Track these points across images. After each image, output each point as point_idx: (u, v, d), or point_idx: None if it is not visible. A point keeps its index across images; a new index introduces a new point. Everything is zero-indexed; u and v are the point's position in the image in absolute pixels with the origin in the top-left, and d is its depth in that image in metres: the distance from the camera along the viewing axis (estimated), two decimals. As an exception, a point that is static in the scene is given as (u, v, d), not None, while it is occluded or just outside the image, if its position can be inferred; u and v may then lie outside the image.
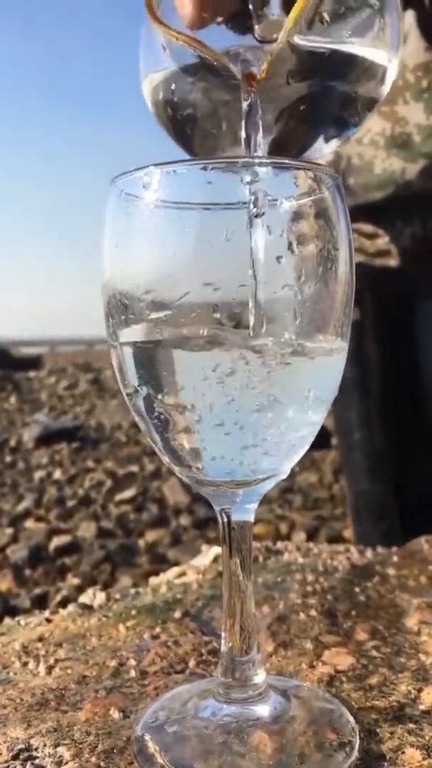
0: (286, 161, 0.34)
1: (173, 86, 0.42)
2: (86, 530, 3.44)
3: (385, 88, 0.42)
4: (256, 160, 0.33)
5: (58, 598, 2.61)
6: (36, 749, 0.40)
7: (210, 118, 0.43)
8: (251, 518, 0.40)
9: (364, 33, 0.39)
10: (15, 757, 0.39)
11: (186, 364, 0.35)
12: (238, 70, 0.39)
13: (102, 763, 0.38)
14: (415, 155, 0.96)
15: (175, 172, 0.33)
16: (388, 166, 0.97)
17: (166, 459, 0.39)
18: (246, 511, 0.40)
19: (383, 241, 1.07)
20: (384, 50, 0.41)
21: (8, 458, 5.32)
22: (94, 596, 0.65)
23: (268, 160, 0.34)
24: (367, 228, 1.07)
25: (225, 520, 0.40)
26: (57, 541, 3.26)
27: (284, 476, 0.39)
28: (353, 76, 0.40)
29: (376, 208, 1.01)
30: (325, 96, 0.41)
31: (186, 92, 0.42)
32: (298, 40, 0.38)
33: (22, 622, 0.60)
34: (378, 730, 0.40)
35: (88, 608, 0.63)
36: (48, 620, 0.60)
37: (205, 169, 0.32)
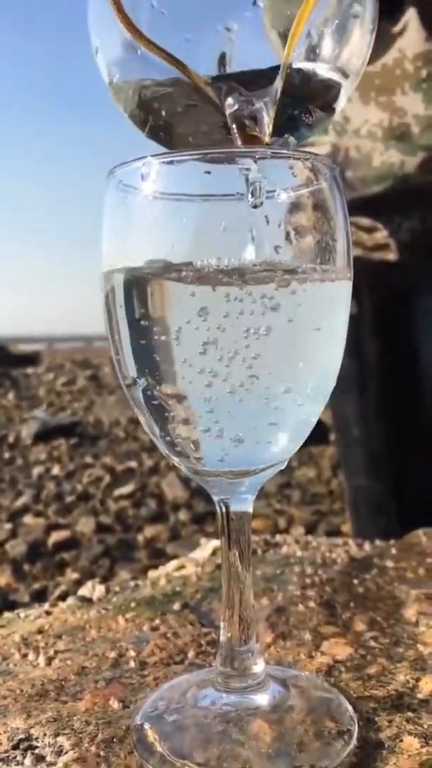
0: (285, 151, 0.34)
1: (149, 99, 0.39)
2: (85, 525, 3.44)
3: (342, 103, 0.41)
4: (255, 151, 0.33)
5: (57, 592, 2.62)
6: (36, 739, 0.40)
7: (190, 127, 0.41)
8: (250, 509, 0.41)
9: (338, 53, 0.38)
10: (15, 747, 0.39)
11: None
12: (224, 107, 0.37)
13: (102, 752, 0.38)
14: (414, 148, 0.95)
15: (173, 162, 0.33)
16: (387, 159, 0.97)
17: (165, 450, 0.39)
18: (245, 502, 0.40)
19: (381, 234, 1.07)
20: (351, 70, 0.39)
21: (6, 454, 5.32)
22: (93, 589, 0.66)
23: (267, 151, 0.34)
24: (365, 222, 1.07)
25: (224, 510, 0.40)
26: (56, 537, 3.26)
27: (283, 466, 0.39)
28: (316, 93, 0.39)
29: (375, 202, 1.01)
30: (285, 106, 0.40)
31: (163, 105, 0.39)
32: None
33: (22, 615, 0.60)
34: (376, 718, 0.40)
35: (87, 601, 0.63)
36: (47, 613, 0.60)
37: (203, 159, 0.32)
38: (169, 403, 0.36)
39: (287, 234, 0.34)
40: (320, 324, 0.36)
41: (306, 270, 0.35)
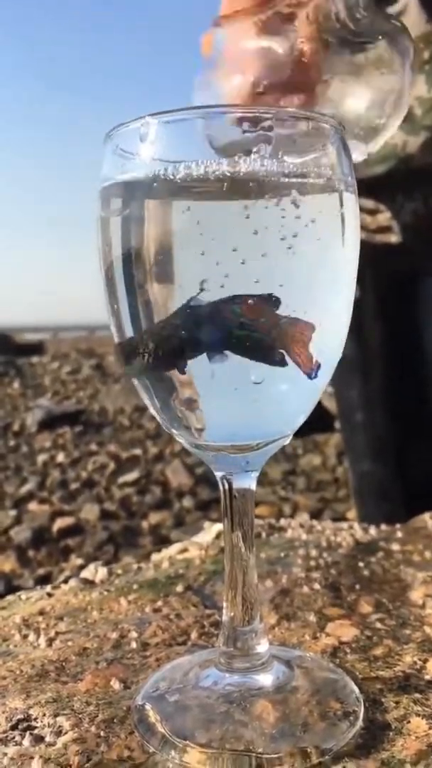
0: (290, 111, 0.33)
1: None
2: (89, 512, 3.44)
3: None
4: (259, 110, 0.32)
5: (62, 578, 2.62)
6: (35, 719, 0.39)
7: None
8: (253, 486, 0.40)
9: None
10: (14, 728, 0.38)
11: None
12: None
13: (102, 733, 0.37)
14: (417, 128, 0.94)
15: (172, 122, 0.32)
16: (389, 140, 0.95)
17: (166, 425, 0.38)
18: (248, 478, 0.39)
19: (384, 216, 1.05)
20: None
21: (12, 442, 5.32)
22: (95, 571, 0.65)
23: (272, 110, 0.32)
24: (368, 203, 1.05)
25: (226, 487, 0.39)
26: (60, 523, 3.26)
27: (286, 441, 0.38)
28: None
29: (377, 183, 0.99)
30: None
31: None
32: None
33: (23, 597, 0.59)
34: (383, 699, 0.40)
35: (89, 583, 0.62)
36: (49, 594, 0.60)
37: (204, 118, 0.31)
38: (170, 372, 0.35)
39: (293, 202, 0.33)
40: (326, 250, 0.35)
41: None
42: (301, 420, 0.38)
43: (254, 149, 0.31)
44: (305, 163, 0.32)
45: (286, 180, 0.32)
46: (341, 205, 0.34)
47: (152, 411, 0.38)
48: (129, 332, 0.37)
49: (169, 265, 0.33)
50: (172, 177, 0.31)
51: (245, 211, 0.31)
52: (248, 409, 0.35)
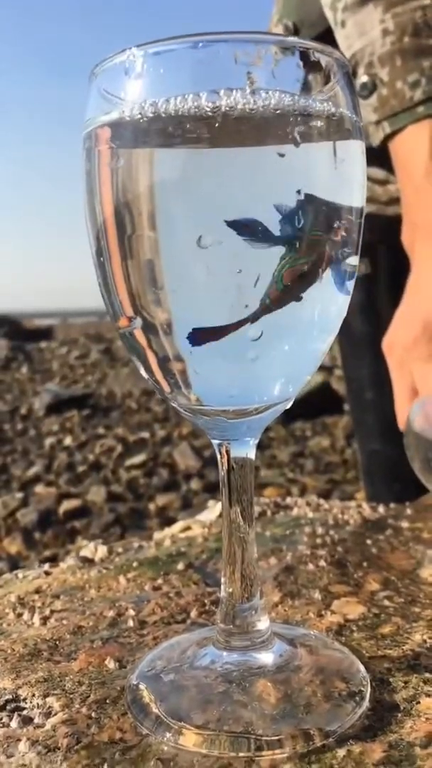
0: (291, 40, 0.30)
1: None
2: (96, 494, 3.44)
3: None
4: (256, 38, 0.29)
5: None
6: (24, 700, 0.37)
7: None
8: (252, 455, 0.37)
9: None
10: (1, 708, 0.37)
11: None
12: None
13: (93, 714, 0.35)
14: None
15: (160, 53, 0.29)
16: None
17: (161, 390, 0.36)
18: (246, 445, 0.36)
19: (396, 187, 1.02)
20: None
21: (19, 426, 5.33)
22: (95, 550, 0.63)
23: (272, 38, 0.29)
24: (378, 173, 1.01)
25: (224, 456, 0.37)
26: (67, 505, 3.26)
27: (286, 406, 0.36)
28: None
29: (388, 152, 0.96)
30: None
31: None
32: None
33: (20, 575, 0.58)
34: (391, 679, 0.37)
35: (88, 561, 0.60)
36: (47, 573, 0.58)
37: (195, 48, 0.28)
38: (162, 332, 0.33)
39: (294, 140, 0.30)
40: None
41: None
42: (303, 383, 0.35)
43: (249, 84, 0.28)
44: (307, 100, 0.30)
45: (290, 118, 0.29)
46: (346, 148, 0.31)
47: (145, 376, 0.36)
48: (122, 297, 0.34)
49: (161, 219, 0.31)
50: (161, 115, 0.28)
51: (246, 154, 0.29)
52: (246, 370, 0.33)
